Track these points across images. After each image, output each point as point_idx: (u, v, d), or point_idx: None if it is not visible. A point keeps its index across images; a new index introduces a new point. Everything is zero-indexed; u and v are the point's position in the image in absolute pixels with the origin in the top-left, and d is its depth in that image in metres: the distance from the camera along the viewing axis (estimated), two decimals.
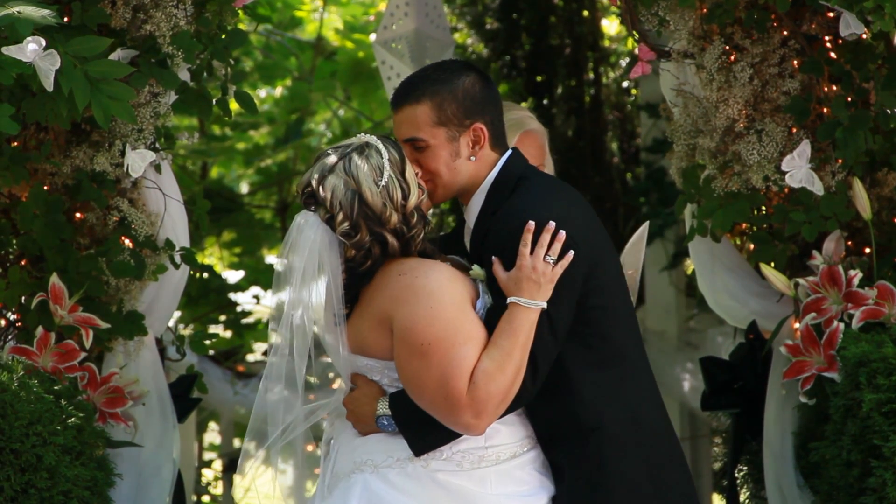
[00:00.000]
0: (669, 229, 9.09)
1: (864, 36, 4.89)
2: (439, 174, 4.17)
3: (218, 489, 10.94)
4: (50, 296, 4.91)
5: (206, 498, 10.83)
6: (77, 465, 4.67)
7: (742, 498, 5.34)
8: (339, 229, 4.04)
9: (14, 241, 5.04)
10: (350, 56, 11.08)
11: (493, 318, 4.03)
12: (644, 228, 5.21)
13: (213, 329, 10.71)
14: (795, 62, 5.05)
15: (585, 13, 9.80)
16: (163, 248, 5.07)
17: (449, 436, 4.03)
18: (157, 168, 5.09)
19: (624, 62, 9.90)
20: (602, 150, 9.79)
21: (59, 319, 4.92)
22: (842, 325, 4.88)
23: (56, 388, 4.75)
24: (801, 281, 5.01)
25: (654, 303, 9.31)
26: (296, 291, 4.06)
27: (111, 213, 5.04)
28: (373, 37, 8.45)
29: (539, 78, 9.81)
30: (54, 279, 4.90)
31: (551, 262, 4.02)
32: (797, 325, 5.04)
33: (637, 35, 5.24)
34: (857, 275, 4.94)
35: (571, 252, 4.04)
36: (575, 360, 4.09)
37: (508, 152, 4.24)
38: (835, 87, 5.04)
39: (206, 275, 10.41)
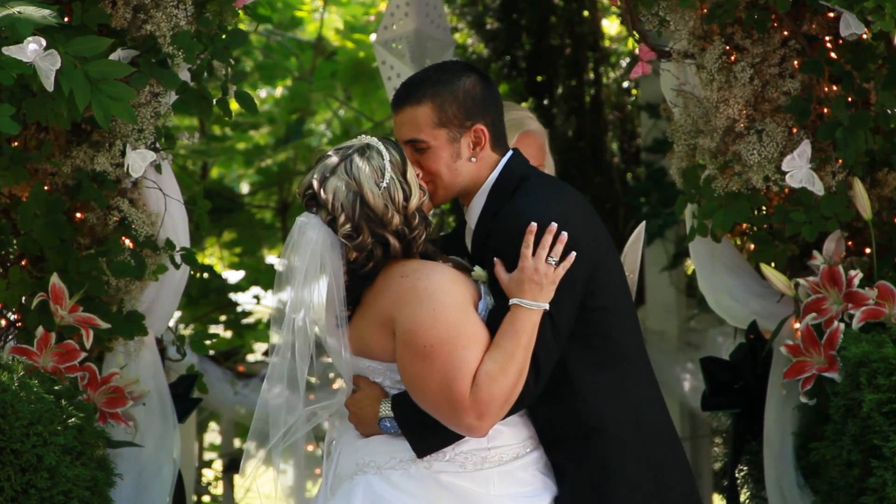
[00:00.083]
0: (670, 229, 9.09)
1: (865, 36, 4.89)
2: (440, 175, 4.17)
3: (218, 489, 10.94)
4: (50, 296, 4.91)
5: (206, 498, 10.83)
6: (77, 465, 4.67)
7: (742, 498, 5.34)
8: (341, 231, 4.04)
9: (14, 241, 5.04)
10: (350, 56, 11.08)
11: (495, 319, 4.03)
12: (641, 229, 5.21)
13: (213, 329, 10.71)
14: (796, 62, 5.05)
15: (586, 13, 9.81)
16: (163, 248, 5.07)
17: (451, 437, 4.03)
18: (158, 168, 5.09)
19: (624, 62, 9.90)
20: (602, 151, 9.80)
21: (60, 319, 4.92)
22: (842, 326, 4.88)
23: (56, 388, 4.75)
24: (801, 281, 5.01)
25: (655, 303, 9.31)
26: (297, 293, 4.06)
27: (111, 213, 5.04)
28: (373, 37, 8.45)
29: (539, 78, 9.81)
30: (55, 279, 4.90)
31: (553, 263, 4.02)
32: (797, 326, 5.04)
33: (637, 35, 5.24)
34: (857, 275, 4.94)
35: (573, 253, 4.04)
36: (576, 361, 4.10)
37: (509, 153, 4.23)
38: (835, 88, 5.04)
39: (206, 275, 10.41)
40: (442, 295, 4.00)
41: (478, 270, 4.13)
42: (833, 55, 5.02)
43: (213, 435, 11.96)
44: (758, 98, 5.05)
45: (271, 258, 11.85)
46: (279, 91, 11.98)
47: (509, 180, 4.18)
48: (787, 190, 5.07)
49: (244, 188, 12.61)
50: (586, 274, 4.08)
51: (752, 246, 5.20)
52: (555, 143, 8.50)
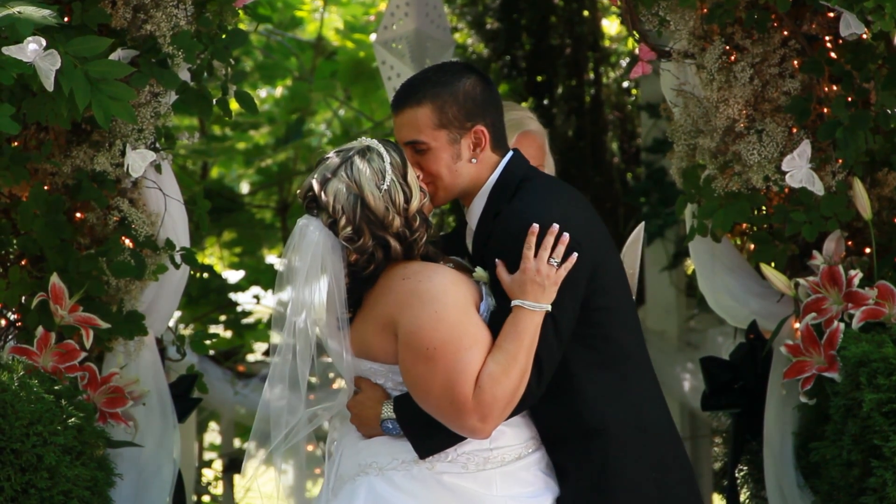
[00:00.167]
0: (670, 229, 9.09)
1: (865, 36, 4.89)
2: (440, 177, 4.16)
3: (218, 489, 10.94)
4: (50, 296, 4.91)
5: (206, 498, 10.83)
6: (77, 465, 4.67)
7: (742, 498, 5.34)
8: (342, 234, 4.04)
9: (14, 241, 5.04)
10: (350, 56, 11.08)
11: (497, 320, 4.03)
12: (640, 229, 5.21)
13: (213, 329, 10.71)
14: (796, 62, 5.05)
15: (586, 13, 9.81)
16: (163, 248, 5.07)
17: (453, 438, 4.03)
18: (158, 168, 5.09)
19: (624, 62, 9.90)
20: (602, 150, 9.80)
21: (60, 319, 4.92)
22: (842, 325, 4.88)
23: (56, 388, 4.75)
24: (801, 281, 5.01)
25: (655, 303, 9.31)
26: (298, 295, 4.06)
27: (111, 213, 5.04)
28: (373, 37, 8.45)
29: (539, 78, 9.81)
30: (54, 279, 4.91)
31: (555, 264, 4.02)
32: (797, 325, 5.04)
33: (637, 35, 5.24)
34: (857, 275, 4.94)
35: (575, 254, 4.03)
36: (578, 361, 4.09)
37: (510, 154, 4.23)
38: (835, 87, 5.04)
39: (206, 275, 10.41)
40: (444, 297, 3.99)
41: (479, 271, 4.13)
42: (833, 55, 5.02)
43: (213, 435, 11.96)
44: (758, 98, 5.05)
45: (271, 258, 11.85)
46: (279, 91, 11.98)
47: (510, 181, 4.17)
48: (787, 190, 5.07)
49: (244, 188, 12.61)
50: (588, 274, 4.08)
51: (752, 246, 5.20)
52: (555, 143, 8.49)
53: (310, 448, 4.22)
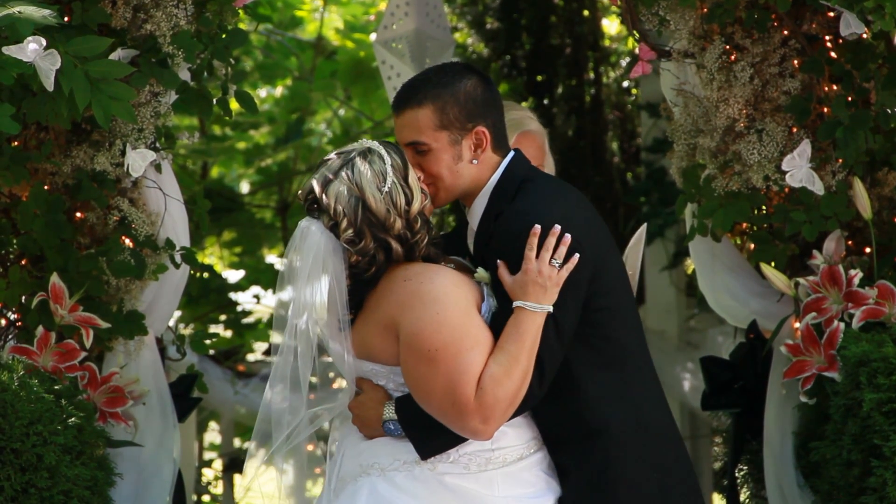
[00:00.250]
0: (670, 229, 9.09)
1: (865, 35, 4.89)
2: (441, 178, 4.16)
3: (218, 489, 10.93)
4: (50, 295, 4.91)
5: (206, 497, 10.82)
6: (77, 465, 4.67)
7: (742, 498, 5.34)
8: (344, 236, 4.04)
9: (14, 241, 5.04)
10: (350, 56, 11.08)
11: (498, 322, 4.03)
12: (642, 230, 5.21)
13: (213, 329, 10.71)
14: (796, 62, 5.05)
15: (586, 13, 9.81)
16: (163, 247, 5.07)
17: (455, 440, 4.03)
18: (158, 168, 5.09)
19: (624, 62, 9.90)
20: (602, 150, 9.79)
21: (60, 319, 4.92)
22: (842, 325, 4.88)
23: (56, 387, 4.75)
24: (801, 280, 5.01)
25: (655, 303, 9.30)
26: (299, 297, 4.06)
27: (111, 212, 5.04)
28: (373, 36, 8.45)
29: (539, 78, 9.81)
30: (55, 279, 4.91)
31: (557, 265, 4.02)
32: (797, 325, 5.04)
33: (637, 35, 5.24)
34: (857, 274, 4.94)
35: (576, 255, 4.03)
36: (580, 362, 4.09)
37: (511, 154, 4.23)
38: (835, 87, 5.04)
39: (206, 274, 10.40)
40: (445, 298, 3.99)
41: (480, 272, 4.13)
42: (833, 55, 5.02)
43: (213, 434, 11.95)
44: (758, 97, 5.05)
45: (271, 258, 11.85)
46: (279, 91, 11.98)
47: (511, 182, 4.17)
48: (787, 189, 5.07)
49: (244, 188, 12.60)
50: (589, 275, 4.08)
51: (752, 245, 5.20)
52: (555, 142, 8.51)
53: (310, 448, 4.22)
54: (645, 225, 5.21)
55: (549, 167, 5.17)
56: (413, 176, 4.11)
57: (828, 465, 4.79)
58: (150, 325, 5.09)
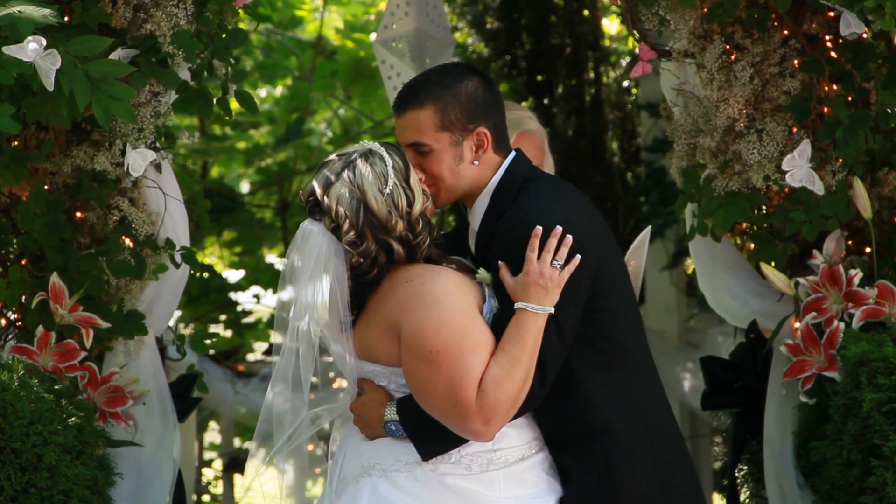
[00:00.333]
0: (670, 229, 9.09)
1: (865, 35, 4.89)
2: (443, 178, 4.16)
3: (218, 489, 10.94)
4: (50, 295, 4.91)
5: (206, 497, 10.82)
6: (77, 465, 4.67)
7: (742, 497, 5.34)
8: (345, 238, 4.04)
9: (14, 241, 5.04)
10: (350, 55, 11.08)
11: (500, 323, 4.03)
12: (646, 233, 5.22)
13: (213, 328, 10.71)
14: (796, 61, 5.05)
15: (586, 13, 9.80)
16: (163, 247, 5.07)
17: (456, 441, 4.03)
18: (158, 167, 5.09)
19: (624, 62, 9.90)
20: (602, 150, 9.79)
21: (60, 319, 4.92)
22: (842, 325, 4.88)
23: (56, 387, 4.75)
24: (801, 280, 5.01)
25: (655, 302, 9.30)
26: (300, 298, 4.06)
27: (111, 212, 5.04)
28: (373, 36, 8.45)
29: (539, 77, 9.81)
30: (55, 278, 4.91)
31: (558, 266, 4.01)
32: (797, 325, 5.04)
33: (637, 34, 5.24)
34: (857, 274, 4.94)
35: (578, 256, 4.03)
36: (582, 363, 4.09)
37: (512, 155, 4.22)
38: (835, 87, 5.04)
39: (206, 274, 10.40)
40: (447, 300, 3.99)
41: (482, 273, 4.13)
42: (833, 54, 5.02)
43: (213, 434, 11.95)
44: (758, 97, 5.05)
45: (271, 257, 11.85)
46: (279, 90, 11.98)
47: (512, 182, 4.16)
48: (787, 189, 5.07)
49: (244, 188, 12.60)
50: (591, 276, 4.07)
51: (752, 245, 5.20)
52: (555, 142, 8.51)
53: (311, 448, 4.22)
54: (649, 227, 5.22)
55: (549, 167, 5.17)
56: (414, 177, 4.10)
57: (828, 464, 4.79)
58: (150, 325, 5.09)
